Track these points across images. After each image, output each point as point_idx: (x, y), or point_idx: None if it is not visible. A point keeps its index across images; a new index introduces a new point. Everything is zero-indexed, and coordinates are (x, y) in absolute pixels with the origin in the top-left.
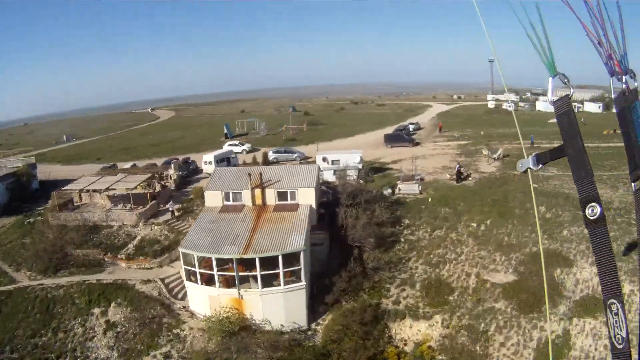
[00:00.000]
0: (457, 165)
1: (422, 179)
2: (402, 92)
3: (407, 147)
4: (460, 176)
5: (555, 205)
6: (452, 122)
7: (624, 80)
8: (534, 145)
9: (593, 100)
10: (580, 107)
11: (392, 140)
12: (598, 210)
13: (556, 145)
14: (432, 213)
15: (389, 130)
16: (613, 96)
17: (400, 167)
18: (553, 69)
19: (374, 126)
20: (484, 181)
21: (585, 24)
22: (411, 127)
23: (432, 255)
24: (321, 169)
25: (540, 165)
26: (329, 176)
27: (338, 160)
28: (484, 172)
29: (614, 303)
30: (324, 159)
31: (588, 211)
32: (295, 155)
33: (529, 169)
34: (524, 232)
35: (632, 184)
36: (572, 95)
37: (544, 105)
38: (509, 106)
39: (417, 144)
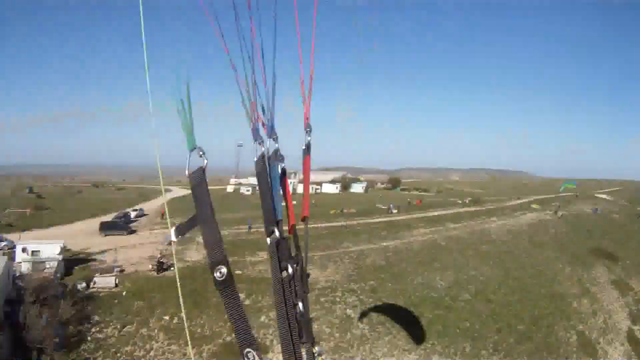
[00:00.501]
0: (159, 255)
1: (122, 271)
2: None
3: (123, 236)
4: (161, 266)
5: (256, 291)
6: (182, 207)
7: (267, 144)
8: (252, 231)
9: (333, 182)
10: (318, 189)
11: (107, 228)
12: (225, 271)
13: None
14: (124, 307)
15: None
16: (255, 159)
17: (104, 258)
18: (191, 143)
19: (100, 212)
20: (186, 270)
21: (241, 90)
22: (133, 214)
23: (119, 354)
24: (20, 261)
25: (180, 236)
26: (29, 269)
27: (39, 251)
28: (188, 261)
29: (250, 352)
30: (24, 250)
31: (217, 274)
32: (4, 244)
33: (172, 241)
34: (218, 322)
35: (267, 239)
36: (205, 167)
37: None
38: (247, 190)
39: (133, 231)
